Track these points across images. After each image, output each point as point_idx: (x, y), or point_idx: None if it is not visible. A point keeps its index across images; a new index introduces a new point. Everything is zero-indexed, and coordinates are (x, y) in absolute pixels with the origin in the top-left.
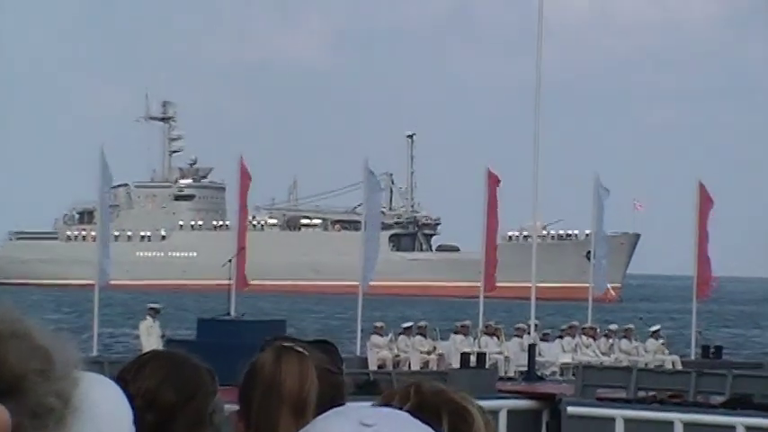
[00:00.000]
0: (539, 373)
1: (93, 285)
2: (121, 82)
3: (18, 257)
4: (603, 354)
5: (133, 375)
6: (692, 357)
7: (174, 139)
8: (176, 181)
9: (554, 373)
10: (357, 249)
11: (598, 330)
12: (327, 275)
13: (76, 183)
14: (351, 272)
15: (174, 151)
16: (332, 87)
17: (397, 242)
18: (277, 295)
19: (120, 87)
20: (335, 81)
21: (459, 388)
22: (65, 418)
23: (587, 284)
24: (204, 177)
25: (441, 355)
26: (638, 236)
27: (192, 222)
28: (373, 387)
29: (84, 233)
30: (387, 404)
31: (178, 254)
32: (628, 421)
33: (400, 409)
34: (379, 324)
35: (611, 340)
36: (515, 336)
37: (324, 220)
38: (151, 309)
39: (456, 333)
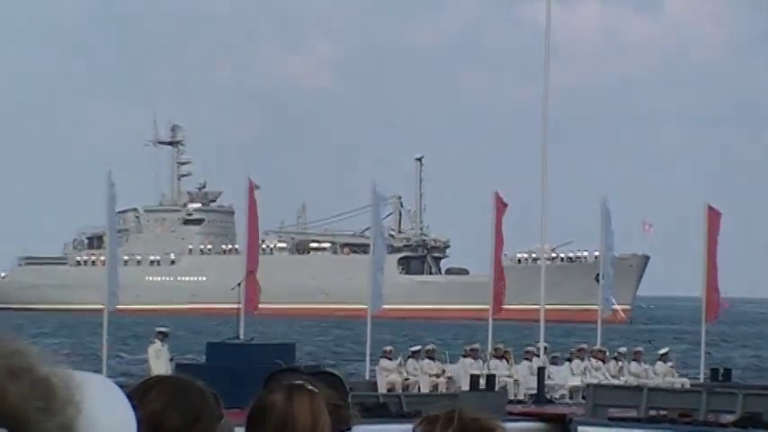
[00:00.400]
0: (548, 396)
1: (102, 310)
2: (130, 107)
3: (27, 282)
4: (613, 376)
5: (139, 400)
6: (701, 380)
7: (182, 164)
8: (185, 205)
9: (563, 396)
10: (366, 272)
11: (607, 353)
12: (337, 299)
13: (85, 208)
14: (360, 295)
15: (183, 175)
16: (340, 110)
17: (407, 265)
18: (286, 319)
19: (128, 112)
20: (344, 104)
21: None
22: None
23: (596, 306)
24: (213, 201)
25: (450, 378)
26: (647, 257)
27: (201, 246)
28: (383, 410)
29: (93, 258)
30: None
31: (187, 278)
32: None
33: None
34: (388, 348)
35: (620, 363)
36: (525, 359)
37: (333, 243)
38: (159, 332)
39: (465, 356)
